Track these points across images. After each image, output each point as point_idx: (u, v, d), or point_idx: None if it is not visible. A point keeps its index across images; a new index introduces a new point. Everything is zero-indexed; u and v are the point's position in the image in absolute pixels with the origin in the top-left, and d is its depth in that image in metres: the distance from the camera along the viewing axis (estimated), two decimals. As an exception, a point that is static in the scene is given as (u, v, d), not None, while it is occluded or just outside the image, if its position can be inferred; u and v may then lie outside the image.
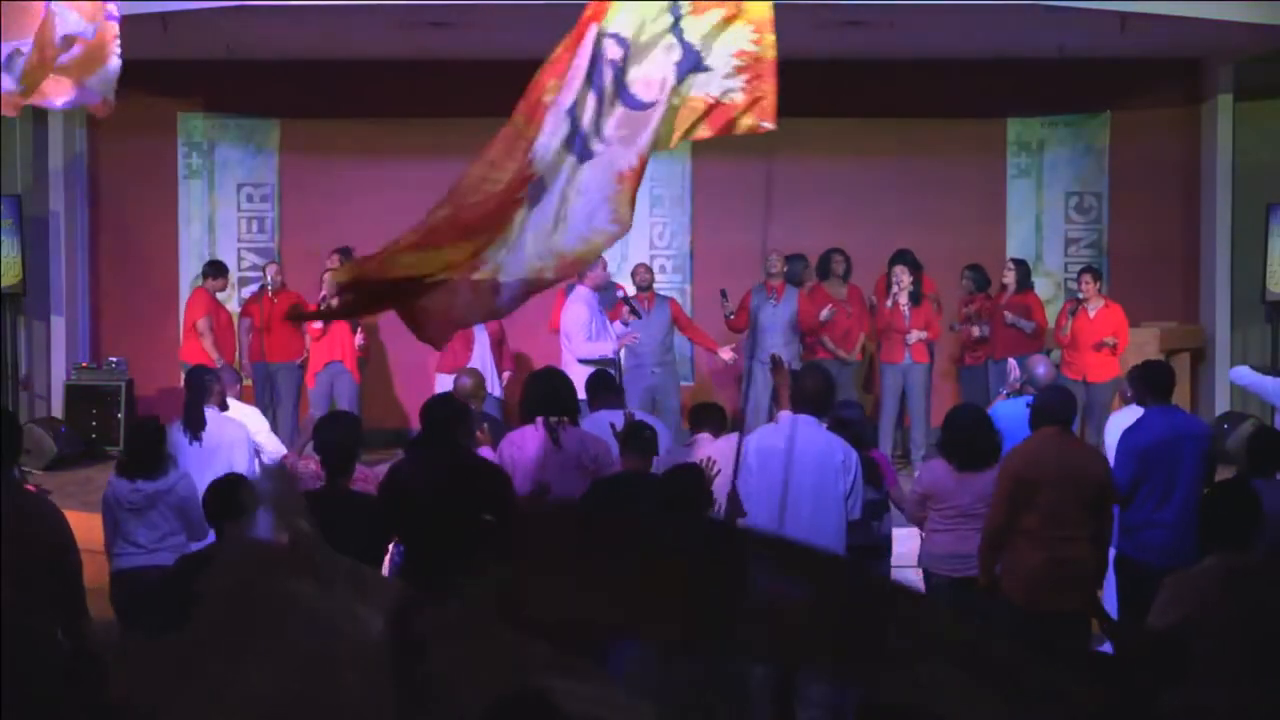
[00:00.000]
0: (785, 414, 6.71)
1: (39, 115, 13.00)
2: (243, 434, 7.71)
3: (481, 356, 11.04)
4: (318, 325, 11.43)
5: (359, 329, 11.63)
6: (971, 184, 13.56)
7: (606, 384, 8.00)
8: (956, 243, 12.93)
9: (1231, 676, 4.64)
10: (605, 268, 10.51)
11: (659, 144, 5.05)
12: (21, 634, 5.00)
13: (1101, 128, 13.64)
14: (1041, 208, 13.73)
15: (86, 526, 7.12)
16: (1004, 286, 11.83)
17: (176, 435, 7.55)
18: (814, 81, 13.26)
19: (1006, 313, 11.50)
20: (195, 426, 7.58)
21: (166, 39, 11.08)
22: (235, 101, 13.46)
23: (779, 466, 6.07)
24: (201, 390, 7.71)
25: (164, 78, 13.27)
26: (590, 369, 9.11)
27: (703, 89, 5.06)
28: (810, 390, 6.68)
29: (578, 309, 10.04)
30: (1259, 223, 12.73)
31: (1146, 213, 13.51)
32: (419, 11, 10.99)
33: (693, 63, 5.05)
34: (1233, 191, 13.07)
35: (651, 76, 5.07)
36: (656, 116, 5.03)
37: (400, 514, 6.13)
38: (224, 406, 7.86)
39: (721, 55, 5.03)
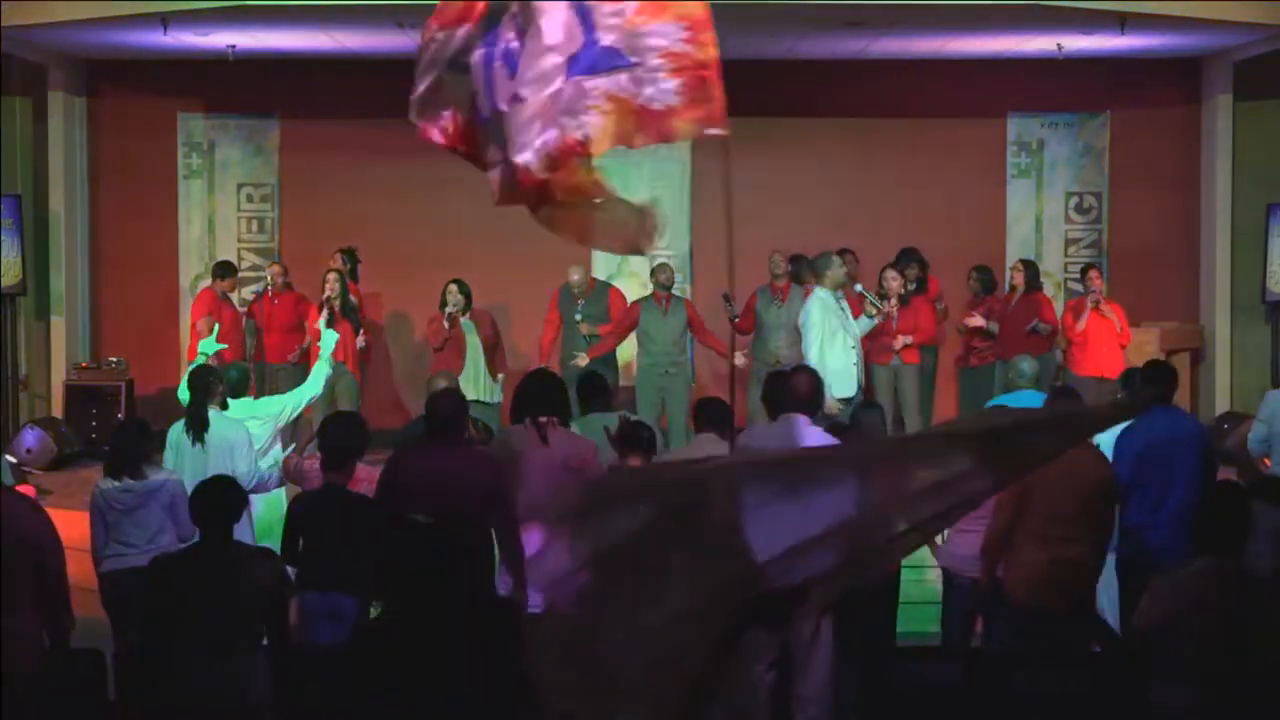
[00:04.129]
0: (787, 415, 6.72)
1: (39, 115, 13.02)
2: (244, 434, 7.65)
3: (474, 361, 11.03)
4: (319, 325, 11.39)
5: (361, 330, 11.60)
6: (971, 184, 13.55)
7: (599, 388, 8.08)
8: (956, 243, 12.91)
9: (1214, 677, 4.64)
10: (843, 266, 10.50)
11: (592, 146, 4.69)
12: (4, 633, 5.01)
13: (1101, 128, 13.63)
14: (1041, 208, 13.72)
15: (86, 527, 7.12)
16: (1013, 287, 11.80)
17: (179, 436, 7.55)
18: (814, 81, 13.29)
19: (1039, 322, 11.46)
20: (199, 428, 7.54)
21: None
22: (235, 101, 13.46)
23: None
24: (205, 392, 7.66)
25: (164, 78, 13.29)
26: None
27: (628, 90, 4.63)
28: (802, 391, 6.70)
29: (818, 308, 10.11)
30: (1259, 223, 12.72)
31: (1146, 213, 13.50)
32: (421, 12, 10.98)
33: (608, 61, 4.63)
34: (1233, 191, 13.06)
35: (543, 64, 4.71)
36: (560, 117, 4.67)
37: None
38: (224, 406, 7.83)
39: (646, 53, 4.60)
